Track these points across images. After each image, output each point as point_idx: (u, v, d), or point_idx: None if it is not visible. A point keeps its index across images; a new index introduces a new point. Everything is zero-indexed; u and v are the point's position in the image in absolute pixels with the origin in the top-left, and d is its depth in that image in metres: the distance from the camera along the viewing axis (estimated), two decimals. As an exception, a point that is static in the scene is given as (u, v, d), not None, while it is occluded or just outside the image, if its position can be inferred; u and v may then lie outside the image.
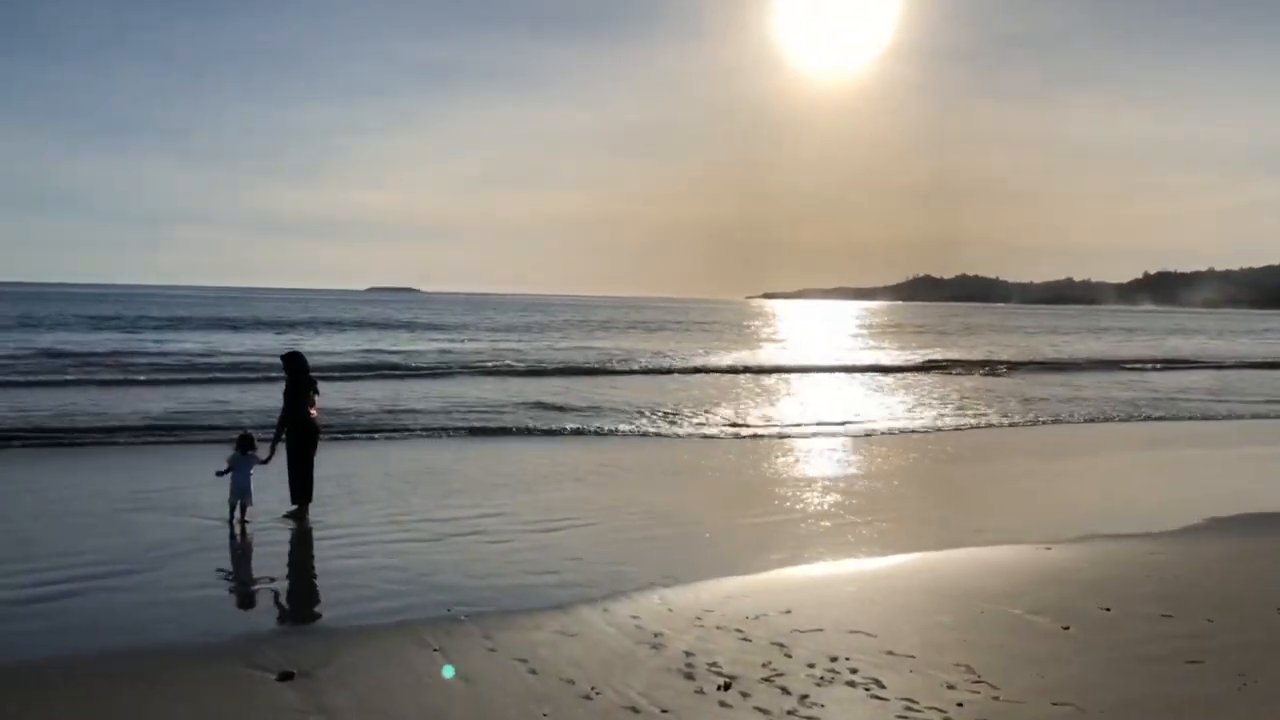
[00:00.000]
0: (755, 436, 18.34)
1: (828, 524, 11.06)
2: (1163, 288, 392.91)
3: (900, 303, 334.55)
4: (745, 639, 6.78)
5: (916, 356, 44.89)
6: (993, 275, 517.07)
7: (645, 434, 18.48)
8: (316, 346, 42.33)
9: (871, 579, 8.55)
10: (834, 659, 6.35)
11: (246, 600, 8.16)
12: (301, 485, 11.19)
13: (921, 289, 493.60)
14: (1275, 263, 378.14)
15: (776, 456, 16.26)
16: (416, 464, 14.59)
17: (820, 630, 6.96)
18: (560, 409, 21.86)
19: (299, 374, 11.34)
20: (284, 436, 11.05)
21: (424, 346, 45.35)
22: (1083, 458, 16.95)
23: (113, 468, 13.97)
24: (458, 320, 79.61)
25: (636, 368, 34.63)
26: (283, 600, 8.15)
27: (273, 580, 8.68)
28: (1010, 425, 20.89)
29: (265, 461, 10.80)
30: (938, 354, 47.41)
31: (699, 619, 7.26)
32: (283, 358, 11.68)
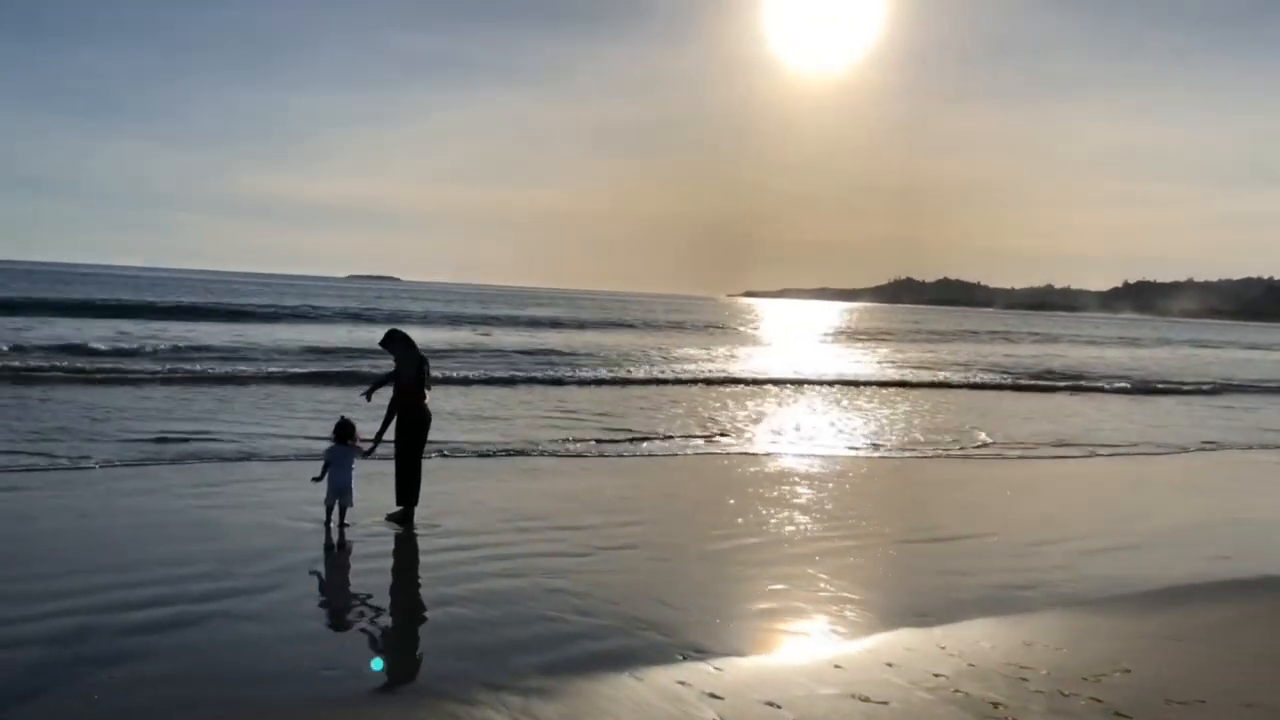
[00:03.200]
0: (898, 457, 16.07)
1: (1032, 545, 9.43)
2: (1142, 296, 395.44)
3: (884, 305, 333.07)
4: (1119, 715, 5.11)
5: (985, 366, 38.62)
6: (974, 280, 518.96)
7: (715, 450, 16.82)
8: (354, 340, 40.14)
9: (1157, 621, 6.90)
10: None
11: (416, 635, 6.36)
12: (409, 484, 9.47)
13: (903, 292, 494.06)
14: (1254, 275, 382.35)
15: (919, 475, 14.62)
16: (489, 463, 12.87)
17: (1202, 702, 5.30)
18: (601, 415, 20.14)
19: (407, 353, 9.60)
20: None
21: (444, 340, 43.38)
22: (1209, 477, 15.45)
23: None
24: (452, 311, 77.21)
25: (659, 375, 30.73)
26: (459, 636, 6.15)
27: (431, 606, 6.85)
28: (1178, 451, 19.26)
29: (367, 455, 9.11)
30: (981, 361, 45.84)
31: (1023, 678, 5.59)
32: (385, 336, 9.90)
